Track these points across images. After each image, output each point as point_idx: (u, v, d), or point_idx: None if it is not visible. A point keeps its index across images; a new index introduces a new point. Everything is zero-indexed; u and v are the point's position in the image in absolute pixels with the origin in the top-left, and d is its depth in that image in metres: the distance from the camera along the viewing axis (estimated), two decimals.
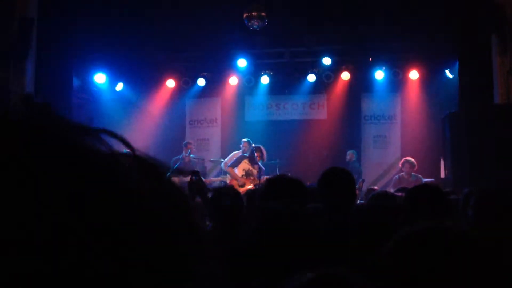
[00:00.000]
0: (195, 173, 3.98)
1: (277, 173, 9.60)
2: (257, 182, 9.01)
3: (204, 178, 10.96)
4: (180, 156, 10.33)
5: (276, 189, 2.43)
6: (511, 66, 7.50)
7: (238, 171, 9.27)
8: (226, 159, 9.93)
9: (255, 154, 9.23)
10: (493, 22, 7.59)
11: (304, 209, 2.41)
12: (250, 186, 8.94)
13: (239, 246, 1.74)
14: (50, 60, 9.07)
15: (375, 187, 6.08)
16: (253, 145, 9.42)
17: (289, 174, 5.58)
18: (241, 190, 8.57)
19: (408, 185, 8.76)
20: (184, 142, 10.71)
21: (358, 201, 8.22)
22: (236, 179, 9.17)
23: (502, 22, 7.54)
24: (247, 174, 9.27)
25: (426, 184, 3.07)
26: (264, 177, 8.72)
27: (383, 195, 3.33)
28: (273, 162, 9.96)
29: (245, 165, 9.29)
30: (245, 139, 9.74)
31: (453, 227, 1.14)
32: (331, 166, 2.79)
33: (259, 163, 9.27)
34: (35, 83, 8.69)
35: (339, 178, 2.67)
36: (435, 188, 2.88)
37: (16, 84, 8.26)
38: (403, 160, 9.67)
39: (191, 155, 10.29)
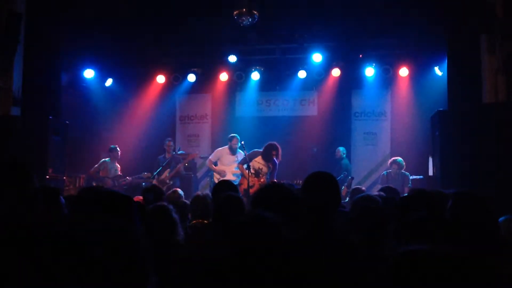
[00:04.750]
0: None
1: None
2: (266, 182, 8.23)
3: (194, 174, 10.90)
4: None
5: (268, 197, 2.41)
6: (500, 65, 7.53)
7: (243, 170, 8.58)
8: (211, 156, 9.75)
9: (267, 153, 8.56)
10: (483, 20, 7.60)
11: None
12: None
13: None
14: (38, 56, 8.97)
15: (362, 188, 6.08)
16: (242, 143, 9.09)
17: (283, 181, 5.33)
18: (250, 191, 8.22)
19: (395, 182, 8.84)
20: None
21: (347, 199, 8.27)
22: (246, 178, 8.44)
23: (492, 21, 7.56)
24: (257, 173, 8.63)
25: (420, 191, 3.07)
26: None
27: (366, 199, 3.34)
28: None
29: (256, 163, 8.70)
30: (234, 135, 9.55)
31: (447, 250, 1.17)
32: (314, 171, 2.77)
33: (275, 160, 8.59)
34: (23, 79, 8.60)
35: (322, 184, 2.67)
36: (430, 195, 2.88)
37: (3, 80, 8.18)
38: (391, 160, 9.73)
39: (176, 152, 10.00)
